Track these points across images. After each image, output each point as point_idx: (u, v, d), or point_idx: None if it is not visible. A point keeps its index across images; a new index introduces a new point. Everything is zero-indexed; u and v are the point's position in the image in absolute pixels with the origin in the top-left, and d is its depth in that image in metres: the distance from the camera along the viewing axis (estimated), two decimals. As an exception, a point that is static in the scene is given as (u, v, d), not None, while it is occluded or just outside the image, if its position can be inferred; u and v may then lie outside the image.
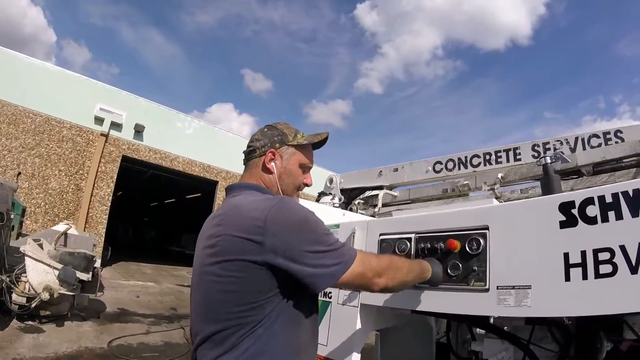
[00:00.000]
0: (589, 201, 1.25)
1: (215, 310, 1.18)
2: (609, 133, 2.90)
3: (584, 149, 2.86)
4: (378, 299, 1.73)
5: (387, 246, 1.76)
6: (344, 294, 1.94)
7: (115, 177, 12.04)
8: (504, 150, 3.50)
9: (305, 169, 1.46)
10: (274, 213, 1.15)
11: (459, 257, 1.50)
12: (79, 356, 4.97)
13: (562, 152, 1.68)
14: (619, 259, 1.15)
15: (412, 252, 1.65)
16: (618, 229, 1.18)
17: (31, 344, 5.11)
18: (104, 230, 11.70)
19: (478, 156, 3.68)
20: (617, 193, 1.20)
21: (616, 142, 2.78)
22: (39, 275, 5.88)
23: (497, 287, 1.38)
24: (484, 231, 1.46)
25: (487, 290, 1.40)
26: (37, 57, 11.50)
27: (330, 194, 3.99)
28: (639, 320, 1.39)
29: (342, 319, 1.91)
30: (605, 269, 1.17)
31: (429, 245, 1.58)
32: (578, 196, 1.28)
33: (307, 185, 1.48)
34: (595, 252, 1.20)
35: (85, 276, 6.37)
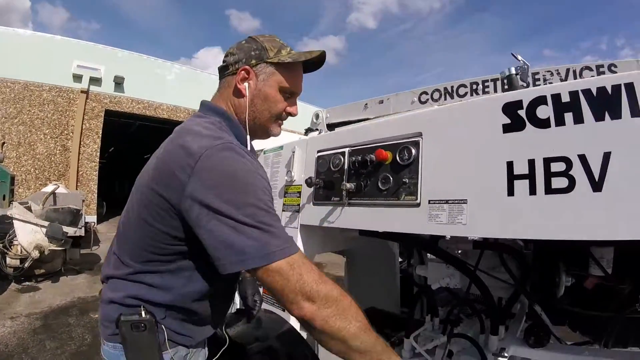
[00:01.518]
0: (540, 100, 1.01)
1: (128, 236, 1.09)
2: (602, 66, 2.67)
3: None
4: (314, 219, 1.61)
5: (323, 163, 1.61)
6: (285, 216, 1.82)
7: (101, 133, 12.06)
8: (492, 80, 3.29)
9: (289, 94, 1.19)
10: (208, 155, 0.94)
11: (389, 169, 1.33)
12: (72, 306, 5.10)
13: (527, 66, 1.44)
14: (578, 171, 0.93)
15: (345, 167, 1.49)
16: (577, 135, 0.95)
17: (28, 302, 5.24)
18: (96, 186, 11.84)
19: (465, 86, 3.48)
20: (577, 91, 0.95)
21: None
22: (28, 235, 5.92)
23: (429, 201, 1.21)
24: (416, 139, 1.28)
25: (418, 205, 1.23)
26: (15, 26, 11.26)
27: (317, 129, 3.89)
28: (607, 254, 1.15)
29: None
30: (559, 183, 0.96)
31: (360, 159, 1.41)
32: (527, 95, 1.04)
33: (291, 114, 1.23)
34: (547, 161, 0.98)
35: (72, 230, 6.37)
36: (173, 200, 0.96)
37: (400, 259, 2.61)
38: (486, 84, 3.43)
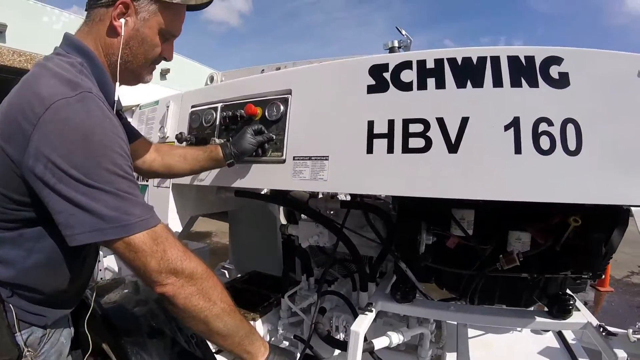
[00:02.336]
0: (406, 65, 1.04)
1: None
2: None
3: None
4: (186, 177, 1.51)
5: (195, 117, 1.52)
6: None
7: (-24, 88, 10.24)
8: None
9: (168, 37, 1.04)
10: (60, 105, 0.79)
11: (259, 124, 1.29)
12: None
13: (410, 40, 1.46)
14: (435, 133, 0.98)
15: (217, 123, 1.43)
16: (437, 99, 0.99)
17: None
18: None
19: None
20: (442, 59, 1.00)
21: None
22: None
23: (294, 157, 1.21)
24: (286, 96, 1.26)
25: (284, 161, 1.23)
26: None
27: None
28: (468, 215, 1.21)
29: (156, 203, 1.70)
30: (416, 142, 1.00)
31: (230, 114, 1.36)
32: (394, 59, 1.07)
33: (165, 59, 1.08)
34: (406, 122, 1.02)
35: None
36: (15, 155, 0.81)
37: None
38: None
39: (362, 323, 1.16)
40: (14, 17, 10.75)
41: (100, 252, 2.26)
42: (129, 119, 2.02)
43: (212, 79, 3.83)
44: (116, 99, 0.99)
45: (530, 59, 0.93)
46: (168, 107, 1.67)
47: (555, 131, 0.90)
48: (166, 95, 1.75)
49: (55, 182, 0.78)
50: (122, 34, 0.95)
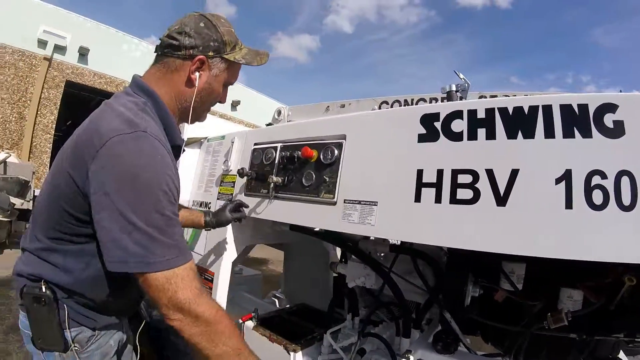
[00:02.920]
0: (457, 115, 1.05)
1: (42, 212, 1.05)
2: None
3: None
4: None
5: (257, 154, 1.65)
6: (219, 204, 1.86)
7: (59, 104, 11.45)
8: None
9: (227, 86, 1.21)
10: (115, 142, 0.90)
11: (314, 166, 1.37)
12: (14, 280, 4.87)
13: (468, 84, 1.48)
14: (484, 185, 0.96)
15: (276, 161, 1.53)
16: (487, 150, 0.98)
17: (-32, 273, 5.00)
18: (48, 159, 11.26)
19: (424, 100, 3.56)
20: (493, 109, 0.98)
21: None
22: (-28, 202, 5.68)
23: (344, 200, 1.26)
24: (340, 141, 1.33)
25: (335, 203, 1.28)
26: None
27: None
28: (518, 269, 1.17)
29: (217, 231, 1.81)
30: (464, 194, 0.99)
31: (288, 154, 1.46)
32: (445, 108, 1.08)
33: (221, 102, 1.24)
34: (455, 172, 1.01)
35: (19, 201, 6.21)
36: (79, 181, 0.94)
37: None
38: (444, 100, 3.51)
39: None
40: (97, 42, 12.02)
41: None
42: (197, 150, 2.20)
43: (279, 112, 4.01)
44: (185, 138, 1.10)
45: (583, 108, 0.89)
46: (233, 142, 1.81)
47: (609, 184, 0.85)
48: (233, 131, 1.90)
49: (102, 211, 0.89)
50: (196, 86, 1.09)
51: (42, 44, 10.98)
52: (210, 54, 1.09)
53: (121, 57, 12.71)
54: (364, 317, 1.74)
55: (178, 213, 0.99)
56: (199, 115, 1.22)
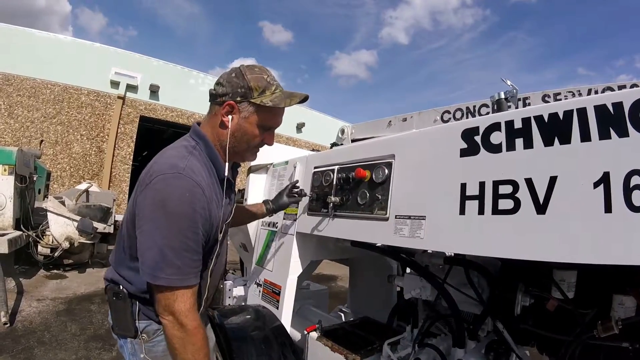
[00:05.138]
0: (495, 127, 1.08)
1: (122, 234, 1.31)
2: (624, 86, 2.63)
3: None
4: (307, 227, 1.82)
5: (317, 177, 1.80)
6: (285, 223, 2.05)
7: (135, 137, 12.59)
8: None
9: (267, 128, 1.32)
10: (159, 180, 1.13)
11: (367, 186, 1.50)
12: (95, 295, 5.35)
13: (516, 90, 1.54)
14: (523, 194, 0.98)
15: (334, 183, 1.68)
16: (526, 160, 1.00)
17: (54, 287, 5.59)
18: (127, 187, 12.34)
19: (487, 105, 3.52)
20: (529, 118, 1.00)
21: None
22: (60, 227, 6.35)
23: (396, 216, 1.36)
24: (390, 160, 1.44)
25: (387, 219, 1.39)
26: (53, 29, 12.54)
27: (342, 144, 3.98)
28: (568, 277, 1.16)
29: (282, 247, 2.01)
30: (505, 204, 1.02)
31: (344, 176, 1.60)
32: (484, 121, 1.13)
33: (267, 144, 1.36)
34: (496, 184, 1.05)
35: (102, 226, 6.83)
36: (135, 209, 1.18)
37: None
38: (508, 103, 3.42)
39: None
40: (166, 79, 13.06)
41: (231, 282, 2.63)
42: (264, 175, 2.41)
43: (342, 131, 4.12)
44: (226, 174, 1.30)
45: (618, 106, 0.86)
46: (295, 167, 2.00)
47: None
48: (295, 156, 2.09)
49: (139, 230, 1.13)
50: (229, 127, 1.25)
51: (115, 84, 12.20)
52: (238, 99, 1.23)
53: (189, 91, 13.81)
54: (420, 329, 1.81)
55: (200, 242, 1.17)
56: (241, 155, 1.36)
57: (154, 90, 12.84)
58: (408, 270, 1.86)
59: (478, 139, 1.13)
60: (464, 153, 1.16)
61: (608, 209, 0.85)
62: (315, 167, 1.85)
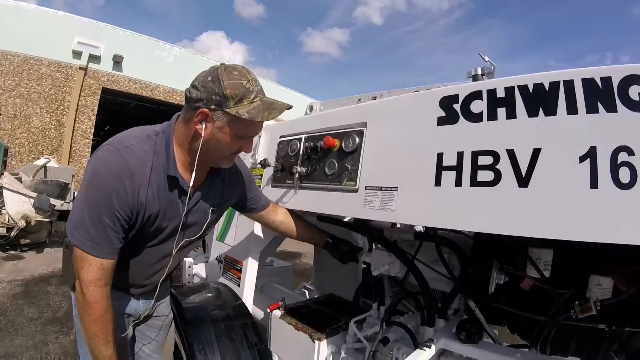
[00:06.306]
0: (475, 95, 1.02)
1: None
2: None
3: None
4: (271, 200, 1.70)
5: (283, 147, 1.70)
6: None
7: (97, 110, 12.07)
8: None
9: (245, 137, 1.22)
10: (103, 148, 1.15)
11: (336, 155, 1.41)
12: (53, 276, 5.19)
13: (494, 67, 1.47)
14: (504, 166, 0.94)
15: (301, 152, 1.58)
16: (508, 130, 0.95)
17: (11, 269, 5.36)
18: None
19: None
20: (513, 87, 0.95)
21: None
22: (17, 205, 6.07)
23: (366, 187, 1.28)
24: (361, 129, 1.35)
25: (356, 190, 1.31)
26: None
27: None
28: (545, 255, 1.12)
29: (244, 221, 1.91)
30: (484, 175, 0.97)
31: (312, 145, 1.50)
32: (464, 89, 1.06)
33: (244, 152, 1.28)
34: (475, 154, 0.99)
35: (59, 202, 6.56)
36: None
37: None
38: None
39: (417, 358, 1.16)
40: (130, 50, 12.53)
41: (190, 260, 2.52)
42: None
43: (311, 108, 4.03)
44: (191, 184, 1.21)
45: (607, 80, 0.83)
46: (260, 136, 1.87)
47: (637, 161, 0.79)
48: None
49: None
50: (202, 136, 1.16)
51: (77, 54, 11.58)
52: (212, 107, 1.12)
53: (154, 62, 13.24)
54: (388, 307, 1.75)
55: (117, 222, 1.13)
56: (216, 162, 1.28)
57: (117, 61, 12.26)
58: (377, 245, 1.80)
59: (457, 107, 1.06)
60: (441, 121, 1.11)
61: (594, 184, 0.82)
62: (281, 137, 1.75)
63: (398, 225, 1.80)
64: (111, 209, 1.10)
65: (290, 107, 1.21)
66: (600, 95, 0.84)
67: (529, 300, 1.23)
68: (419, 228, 1.89)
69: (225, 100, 1.11)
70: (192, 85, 1.17)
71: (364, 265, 2.15)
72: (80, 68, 11.54)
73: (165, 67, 13.40)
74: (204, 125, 1.14)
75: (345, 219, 1.99)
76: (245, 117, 1.11)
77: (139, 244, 1.27)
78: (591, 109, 0.85)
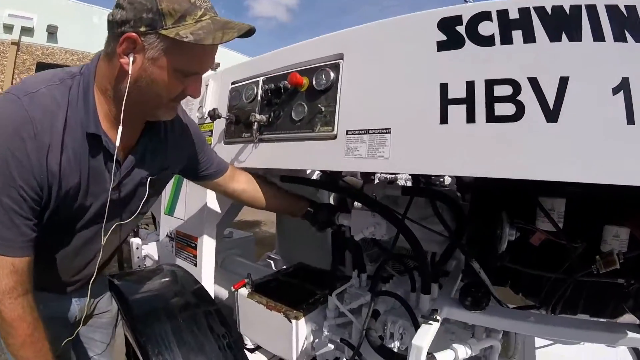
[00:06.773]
0: (483, 16, 0.85)
1: None
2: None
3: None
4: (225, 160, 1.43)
5: (236, 94, 1.41)
6: None
7: (32, 88, 11.23)
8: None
9: (189, 74, 0.89)
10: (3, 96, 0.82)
11: (305, 96, 1.14)
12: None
13: None
14: (528, 97, 0.78)
15: (258, 98, 1.30)
16: (527, 55, 0.80)
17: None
18: (23, 145, 11.19)
19: None
20: (528, 8, 0.80)
21: None
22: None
23: (347, 132, 1.04)
24: (337, 61, 1.09)
25: (335, 136, 1.06)
26: None
27: None
28: (558, 205, 0.99)
29: (194, 189, 1.65)
30: (504, 109, 0.81)
31: (272, 87, 1.22)
32: (468, 10, 0.87)
33: (191, 96, 0.94)
34: (490, 83, 0.82)
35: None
36: None
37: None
38: None
39: (426, 336, 0.96)
40: (65, 19, 11.59)
41: (138, 240, 2.23)
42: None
43: None
44: (117, 144, 0.87)
45: (631, 9, 0.73)
46: (207, 86, 1.57)
47: None
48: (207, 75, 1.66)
49: None
50: (129, 71, 0.83)
51: (9, 28, 10.75)
52: (142, 29, 0.80)
53: (92, 30, 12.17)
54: (372, 274, 1.55)
55: (22, 200, 0.82)
56: (150, 114, 0.96)
57: (52, 32, 11.35)
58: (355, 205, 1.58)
59: (461, 29, 0.88)
60: (442, 47, 0.90)
61: (630, 120, 0.71)
62: (233, 83, 1.46)
63: (377, 179, 1.58)
64: (11, 183, 0.79)
65: (252, 28, 0.89)
66: (628, 24, 0.74)
67: (539, 257, 1.08)
68: (401, 182, 1.68)
69: (160, 18, 0.80)
70: (117, 5, 0.84)
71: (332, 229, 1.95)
72: (13, 43, 10.70)
73: (104, 35, 12.53)
74: (131, 58, 0.82)
75: (314, 177, 1.75)
76: (190, 40, 0.79)
77: (57, 231, 0.95)
78: (619, 37, 0.74)
